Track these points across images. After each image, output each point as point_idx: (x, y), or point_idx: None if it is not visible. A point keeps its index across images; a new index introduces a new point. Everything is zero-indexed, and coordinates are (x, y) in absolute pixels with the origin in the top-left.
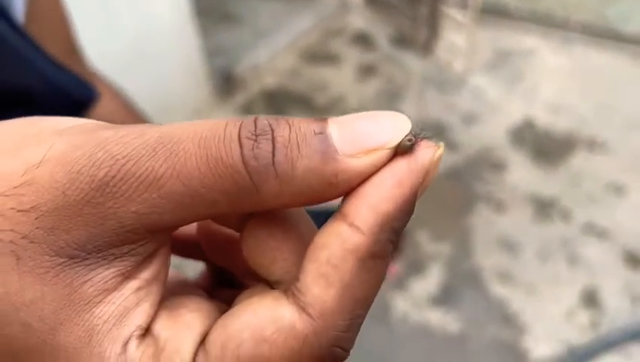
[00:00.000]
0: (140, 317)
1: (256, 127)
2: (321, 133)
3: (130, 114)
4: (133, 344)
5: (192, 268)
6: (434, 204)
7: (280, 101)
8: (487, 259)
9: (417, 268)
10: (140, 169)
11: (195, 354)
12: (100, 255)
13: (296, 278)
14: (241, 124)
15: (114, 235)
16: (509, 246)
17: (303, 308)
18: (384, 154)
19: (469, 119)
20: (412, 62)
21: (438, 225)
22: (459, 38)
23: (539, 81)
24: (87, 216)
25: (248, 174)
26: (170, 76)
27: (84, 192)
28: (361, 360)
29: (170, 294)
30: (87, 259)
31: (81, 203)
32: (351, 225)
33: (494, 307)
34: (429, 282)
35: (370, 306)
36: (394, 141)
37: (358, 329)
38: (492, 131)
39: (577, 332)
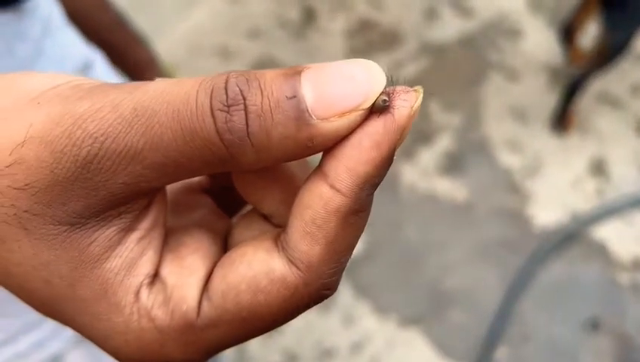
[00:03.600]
0: (146, 265)
1: (227, 95)
2: (294, 96)
3: None
4: (144, 292)
5: None
6: (445, 73)
7: None
8: (496, 128)
9: (426, 137)
10: (120, 145)
11: (200, 301)
12: (98, 218)
13: (284, 216)
14: (212, 93)
15: (107, 202)
16: (520, 115)
17: (292, 262)
18: (359, 115)
19: None
20: None
21: (448, 94)
22: None
23: None
24: (78, 190)
25: (225, 147)
26: None
27: (70, 171)
28: (369, 228)
29: (175, 209)
30: (87, 223)
31: (70, 180)
32: (332, 186)
33: (501, 175)
34: (437, 151)
35: (353, 250)
36: (368, 102)
37: (344, 270)
38: None
39: (582, 199)
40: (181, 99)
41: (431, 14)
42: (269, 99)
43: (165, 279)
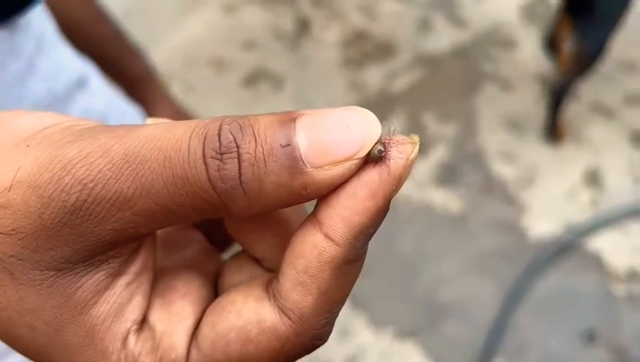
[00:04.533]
0: (134, 311)
1: (220, 143)
2: (288, 144)
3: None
4: (132, 339)
5: None
6: (440, 84)
7: None
8: (491, 138)
9: (421, 148)
10: (110, 192)
11: (189, 349)
12: (86, 263)
13: (276, 261)
14: (204, 140)
15: (96, 247)
16: (514, 125)
17: (283, 312)
18: (354, 164)
19: None
20: None
21: (443, 104)
22: None
23: None
24: (66, 236)
25: (217, 195)
26: None
27: (59, 216)
28: None
29: (165, 246)
30: (74, 268)
31: (59, 225)
32: (326, 236)
33: (496, 186)
34: (432, 162)
35: (346, 299)
36: (364, 151)
37: (336, 319)
38: (502, 7)
39: (578, 210)
40: (173, 145)
41: (425, 25)
42: (262, 146)
43: (154, 325)
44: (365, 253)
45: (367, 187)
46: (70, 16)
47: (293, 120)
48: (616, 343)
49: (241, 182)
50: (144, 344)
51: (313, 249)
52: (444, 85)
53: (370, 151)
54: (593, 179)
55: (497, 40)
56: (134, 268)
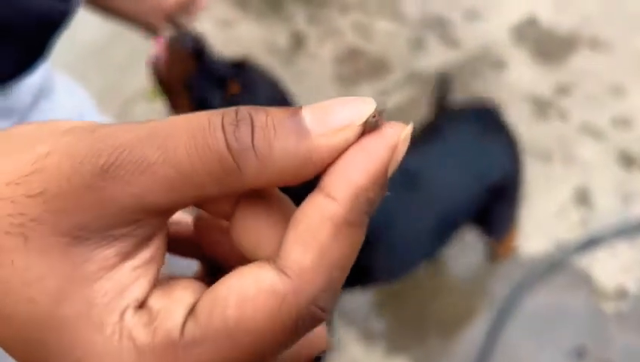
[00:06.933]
0: (136, 291)
1: (237, 115)
2: (294, 116)
3: None
4: (129, 313)
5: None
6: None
7: None
8: None
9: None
10: (135, 156)
11: (185, 321)
12: (101, 235)
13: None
14: (223, 114)
15: (114, 217)
16: None
17: (282, 271)
18: (353, 131)
19: (471, 15)
20: None
21: None
22: None
23: None
24: (89, 200)
25: (232, 156)
26: None
27: (86, 179)
28: None
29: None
30: (89, 239)
31: (84, 188)
32: (327, 195)
33: None
34: None
35: (347, 271)
36: (361, 119)
37: (337, 292)
38: (494, 28)
39: (567, 229)
40: (195, 120)
41: (418, 45)
42: (272, 118)
43: (152, 305)
44: (365, 224)
45: (365, 150)
46: None
47: (299, 108)
48: (605, 359)
49: (253, 144)
50: (141, 317)
51: (315, 208)
52: None
53: (366, 121)
54: (583, 198)
55: (488, 60)
56: (144, 254)
